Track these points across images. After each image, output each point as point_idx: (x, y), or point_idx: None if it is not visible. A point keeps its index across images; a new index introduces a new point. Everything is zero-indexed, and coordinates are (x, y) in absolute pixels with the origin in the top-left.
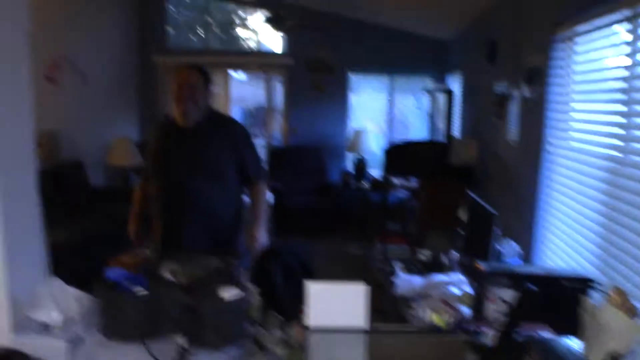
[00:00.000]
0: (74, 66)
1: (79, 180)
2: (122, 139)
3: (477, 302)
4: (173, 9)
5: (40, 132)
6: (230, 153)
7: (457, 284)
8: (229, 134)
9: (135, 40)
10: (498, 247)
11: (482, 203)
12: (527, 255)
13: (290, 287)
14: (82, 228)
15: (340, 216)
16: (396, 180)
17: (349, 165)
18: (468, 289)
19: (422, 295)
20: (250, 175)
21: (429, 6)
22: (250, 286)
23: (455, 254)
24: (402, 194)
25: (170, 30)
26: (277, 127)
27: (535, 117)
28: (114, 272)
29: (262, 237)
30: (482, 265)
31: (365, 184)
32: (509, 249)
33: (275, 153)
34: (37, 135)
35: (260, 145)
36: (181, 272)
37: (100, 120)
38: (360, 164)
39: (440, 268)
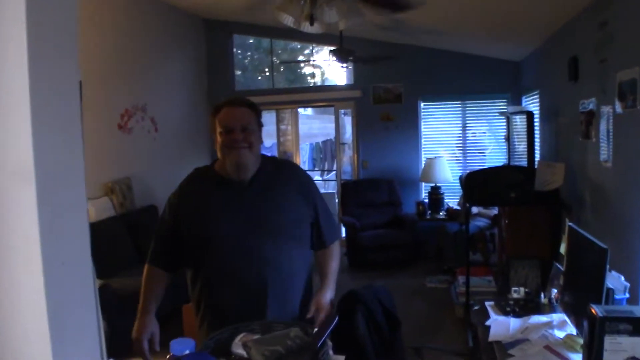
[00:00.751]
0: (146, 114)
1: (153, 225)
2: None
3: (593, 352)
4: (239, 52)
5: (116, 179)
6: (303, 206)
7: (558, 325)
8: (295, 183)
9: (204, 85)
10: (607, 284)
11: (588, 236)
12: (633, 288)
13: (377, 341)
14: None
15: (416, 248)
16: (474, 209)
17: (424, 196)
18: (571, 331)
19: (520, 341)
20: (324, 233)
21: (502, 29)
22: (337, 358)
23: (553, 291)
24: (481, 222)
25: (238, 72)
26: (347, 161)
27: (632, 134)
28: (180, 345)
29: (326, 303)
30: (596, 310)
31: (442, 214)
32: (617, 284)
33: (346, 186)
34: (112, 182)
35: (331, 179)
36: (256, 348)
37: (172, 164)
38: (435, 194)
39: (537, 308)
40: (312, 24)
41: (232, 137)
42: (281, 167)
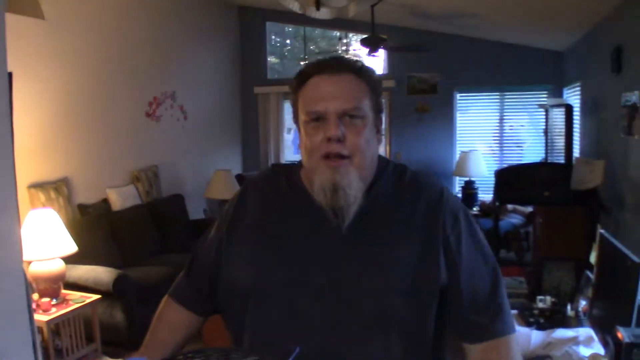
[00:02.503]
0: (175, 102)
1: (178, 214)
2: (220, 172)
3: None
4: (278, 40)
5: (142, 167)
6: (429, 265)
7: (585, 342)
8: (422, 219)
9: (237, 73)
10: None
11: (620, 247)
12: None
13: None
14: (177, 264)
15: None
16: (509, 205)
17: (457, 190)
18: (599, 349)
19: (542, 357)
20: (476, 324)
21: (544, 16)
22: None
23: (582, 303)
24: (516, 219)
25: (275, 60)
26: (382, 152)
27: None
28: None
29: None
30: (623, 333)
31: (475, 210)
32: None
33: None
34: (138, 170)
35: None
36: None
37: (201, 153)
38: (469, 189)
39: (563, 320)
40: (318, 8)
41: (323, 134)
42: (409, 188)
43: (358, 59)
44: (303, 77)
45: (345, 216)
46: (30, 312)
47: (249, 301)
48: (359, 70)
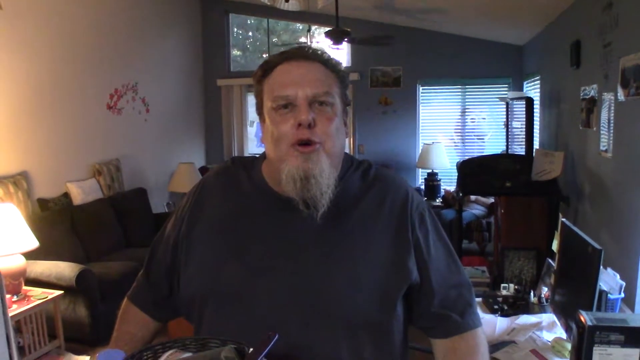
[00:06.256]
0: (137, 94)
1: (141, 208)
2: (183, 165)
3: None
4: (240, 32)
5: (104, 161)
6: (399, 263)
7: (548, 327)
8: (392, 217)
9: (199, 65)
10: (600, 284)
11: (582, 234)
12: (630, 287)
13: None
14: (140, 258)
15: None
16: (471, 196)
17: (420, 182)
18: (561, 334)
19: (506, 343)
20: (447, 319)
21: (504, 11)
22: None
23: (544, 289)
24: (477, 210)
25: (237, 53)
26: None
27: (634, 123)
28: (106, 358)
29: None
30: (585, 317)
31: (438, 201)
32: (612, 283)
33: None
34: (99, 164)
35: None
36: None
37: (163, 146)
38: (432, 180)
39: (526, 307)
40: (287, 0)
41: (292, 120)
42: (374, 184)
43: (324, 51)
44: (269, 65)
45: (318, 205)
46: (4, 305)
47: (212, 305)
48: (327, 61)
